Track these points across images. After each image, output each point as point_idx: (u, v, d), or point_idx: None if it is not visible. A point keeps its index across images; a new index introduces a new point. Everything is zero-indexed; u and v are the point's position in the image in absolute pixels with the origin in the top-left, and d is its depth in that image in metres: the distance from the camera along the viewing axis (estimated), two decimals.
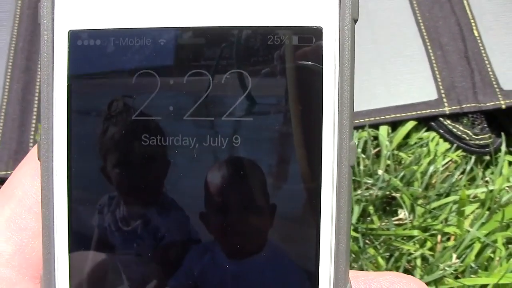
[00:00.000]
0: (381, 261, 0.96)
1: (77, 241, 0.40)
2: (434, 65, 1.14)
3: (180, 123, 0.39)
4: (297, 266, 0.40)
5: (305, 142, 0.39)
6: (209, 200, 0.40)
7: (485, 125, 1.11)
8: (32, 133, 1.06)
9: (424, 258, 0.99)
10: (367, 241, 0.99)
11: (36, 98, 1.08)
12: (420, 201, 1.03)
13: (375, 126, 1.10)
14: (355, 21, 0.39)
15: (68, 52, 0.39)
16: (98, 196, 0.40)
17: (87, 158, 0.40)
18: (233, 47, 0.39)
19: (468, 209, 1.03)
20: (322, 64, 0.38)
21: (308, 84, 0.39)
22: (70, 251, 0.40)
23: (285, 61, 0.38)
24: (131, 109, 0.39)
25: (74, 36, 0.39)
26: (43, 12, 0.39)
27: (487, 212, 1.03)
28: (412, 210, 1.02)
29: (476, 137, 1.09)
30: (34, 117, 1.07)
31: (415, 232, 0.99)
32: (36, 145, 0.41)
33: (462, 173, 1.08)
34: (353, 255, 0.95)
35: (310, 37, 0.38)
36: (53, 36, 0.39)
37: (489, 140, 1.09)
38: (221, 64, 0.39)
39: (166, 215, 0.40)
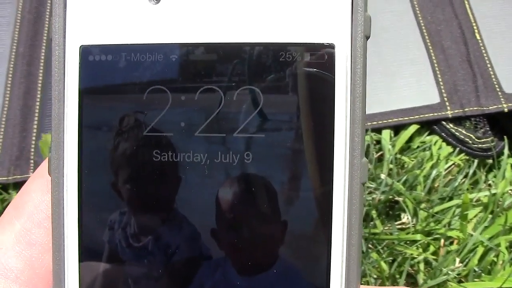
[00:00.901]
0: (384, 265, 0.96)
1: (87, 257, 0.40)
2: (436, 68, 1.14)
3: (191, 139, 0.39)
4: (308, 284, 0.39)
5: (316, 159, 0.39)
6: (220, 217, 0.39)
7: (488, 128, 1.11)
8: (34, 138, 1.06)
9: (427, 262, 0.99)
10: (370, 245, 0.99)
11: (38, 104, 1.08)
12: (423, 205, 1.03)
13: (378, 130, 1.09)
14: (367, 37, 0.39)
15: (79, 67, 0.39)
16: (109, 212, 0.40)
17: (98, 174, 0.40)
18: (245, 64, 0.38)
19: (471, 213, 1.03)
20: (334, 81, 0.38)
21: (320, 101, 0.38)
22: (80, 267, 0.40)
23: (297, 78, 0.38)
24: (142, 124, 0.39)
25: (86, 51, 0.39)
26: (54, 27, 0.39)
27: (490, 216, 1.03)
28: (415, 214, 1.02)
29: (479, 140, 1.09)
30: (36, 122, 1.07)
31: (418, 236, 0.99)
32: (47, 159, 0.40)
33: (465, 176, 1.08)
34: None
35: (322, 54, 0.38)
36: (64, 51, 0.39)
37: (492, 144, 1.09)
38: (232, 81, 0.39)
39: (177, 232, 0.40)
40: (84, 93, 0.39)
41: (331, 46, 0.38)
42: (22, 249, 0.43)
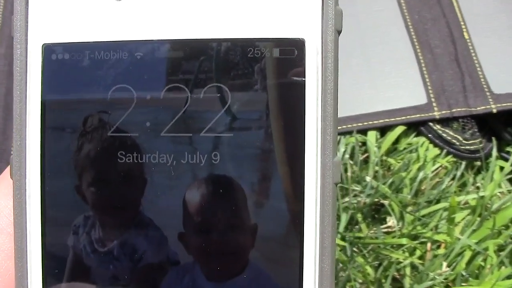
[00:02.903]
0: (369, 269, 0.94)
1: (51, 263, 0.38)
2: (424, 68, 1.13)
3: (157, 139, 0.38)
4: None
5: (287, 159, 0.38)
6: (187, 220, 0.38)
7: (476, 130, 1.10)
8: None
9: (413, 267, 0.97)
10: (355, 249, 0.97)
11: None
12: (409, 208, 1.01)
13: (363, 132, 1.08)
14: (339, 32, 0.38)
15: (41, 66, 0.37)
16: (73, 216, 0.39)
17: (62, 177, 0.38)
18: (212, 60, 0.37)
19: (459, 216, 1.02)
20: (304, 78, 0.37)
21: (290, 99, 0.37)
22: (44, 273, 0.38)
23: (266, 74, 0.37)
24: (106, 125, 0.38)
25: (48, 50, 0.37)
26: (16, 25, 0.37)
27: (478, 219, 1.01)
28: (401, 218, 1.00)
29: (467, 142, 1.07)
30: None
31: (404, 241, 0.97)
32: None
33: (453, 179, 1.07)
34: (341, 264, 0.94)
35: (292, 49, 0.37)
36: (26, 49, 0.37)
37: (480, 145, 1.07)
38: (199, 78, 0.37)
39: (144, 236, 0.38)
40: (46, 93, 0.37)
41: (301, 41, 0.37)
42: None
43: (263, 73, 0.37)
